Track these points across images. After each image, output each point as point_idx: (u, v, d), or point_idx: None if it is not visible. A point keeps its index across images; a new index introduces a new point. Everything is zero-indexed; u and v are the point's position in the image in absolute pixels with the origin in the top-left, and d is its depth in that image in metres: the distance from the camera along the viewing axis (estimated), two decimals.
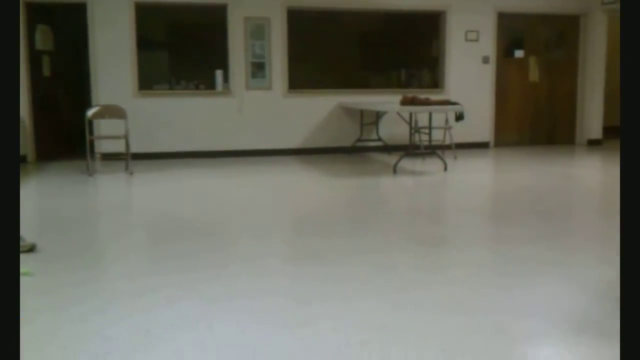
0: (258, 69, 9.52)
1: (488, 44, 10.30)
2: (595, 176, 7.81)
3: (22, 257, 4.02)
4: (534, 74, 10.66)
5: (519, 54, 10.56)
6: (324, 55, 10.06)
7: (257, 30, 9.44)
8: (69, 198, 6.27)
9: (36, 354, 2.59)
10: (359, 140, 9.80)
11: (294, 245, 4.49)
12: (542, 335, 2.75)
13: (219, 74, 9.40)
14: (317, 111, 9.77)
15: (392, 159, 8.65)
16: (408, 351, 2.59)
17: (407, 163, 8.29)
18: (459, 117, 9.09)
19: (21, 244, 4.17)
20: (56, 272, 3.75)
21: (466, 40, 10.19)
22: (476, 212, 5.60)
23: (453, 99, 9.46)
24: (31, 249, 4.17)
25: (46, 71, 9.50)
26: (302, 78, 9.75)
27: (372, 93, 9.95)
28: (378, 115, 9.78)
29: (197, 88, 9.46)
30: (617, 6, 9.83)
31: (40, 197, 6.51)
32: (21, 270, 3.73)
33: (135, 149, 8.53)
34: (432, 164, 8.28)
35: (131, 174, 7.69)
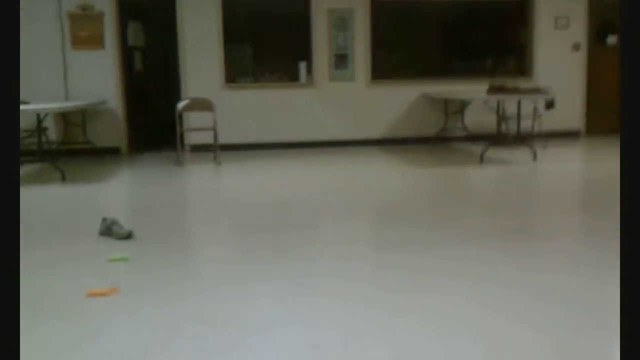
0: (341, 60, 9.55)
1: (579, 31, 9.91)
2: None
3: (120, 243, 4.21)
4: None
5: (612, 40, 10.10)
6: (407, 45, 9.95)
7: (340, 22, 9.46)
8: (162, 187, 6.50)
9: (137, 335, 2.70)
10: (443, 129, 9.66)
11: (380, 235, 4.48)
12: None
13: (302, 65, 9.48)
14: (400, 101, 9.69)
15: (477, 148, 8.47)
16: (493, 345, 2.54)
17: (494, 153, 8.10)
18: (550, 105, 8.79)
19: (119, 231, 4.37)
20: (153, 257, 3.90)
21: (555, 27, 9.85)
22: (568, 203, 5.42)
23: (542, 87, 9.16)
24: (128, 236, 4.35)
25: (138, 66, 9.86)
26: (385, 68, 9.70)
27: (457, 82, 9.77)
28: (463, 104, 9.61)
29: (280, 80, 9.58)
30: None
31: (134, 186, 6.78)
32: (120, 255, 3.91)
33: (222, 140, 8.73)
34: (520, 154, 8.06)
35: (219, 164, 7.89)
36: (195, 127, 8.61)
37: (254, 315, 2.87)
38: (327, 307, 2.97)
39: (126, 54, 9.34)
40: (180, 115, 8.30)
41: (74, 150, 8.97)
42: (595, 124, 10.16)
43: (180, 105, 8.16)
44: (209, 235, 4.51)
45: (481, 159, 7.54)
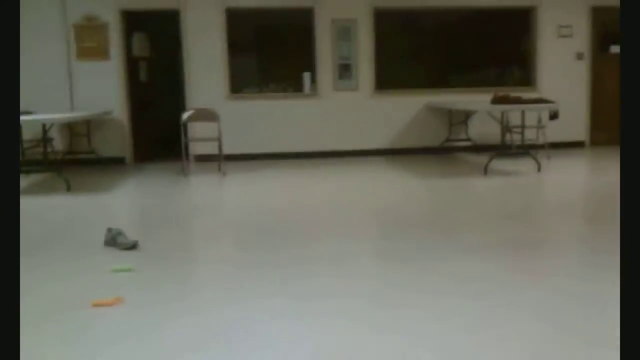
0: (345, 70, 9.58)
1: (582, 40, 9.94)
2: None
3: (125, 254, 4.22)
4: None
5: (615, 49, 10.11)
6: (411, 54, 9.99)
7: (344, 32, 9.50)
8: (167, 198, 6.51)
9: (138, 346, 2.71)
10: (447, 140, 9.68)
11: (384, 247, 4.49)
12: None
13: (306, 76, 9.52)
14: (404, 111, 9.72)
15: (482, 159, 8.48)
16: (500, 358, 2.54)
17: (498, 164, 8.10)
18: (553, 116, 8.81)
19: (124, 241, 4.38)
20: (157, 269, 3.91)
21: (559, 36, 9.88)
22: (572, 214, 5.41)
23: (546, 97, 9.18)
24: (133, 246, 4.37)
25: (143, 77, 9.91)
26: (389, 78, 9.73)
27: (461, 92, 9.80)
28: (467, 115, 9.63)
29: (285, 90, 9.62)
30: None
31: (139, 197, 6.80)
32: (124, 266, 3.92)
33: (227, 150, 8.75)
34: (524, 165, 8.06)
35: (224, 174, 7.91)
36: (200, 137, 8.64)
37: (254, 329, 2.88)
38: (327, 325, 2.97)
39: (131, 65, 9.39)
40: (185, 126, 8.33)
41: (79, 160, 9.02)
42: (599, 134, 10.16)
43: (185, 115, 8.19)
44: (212, 249, 4.52)
45: (485, 170, 7.55)
